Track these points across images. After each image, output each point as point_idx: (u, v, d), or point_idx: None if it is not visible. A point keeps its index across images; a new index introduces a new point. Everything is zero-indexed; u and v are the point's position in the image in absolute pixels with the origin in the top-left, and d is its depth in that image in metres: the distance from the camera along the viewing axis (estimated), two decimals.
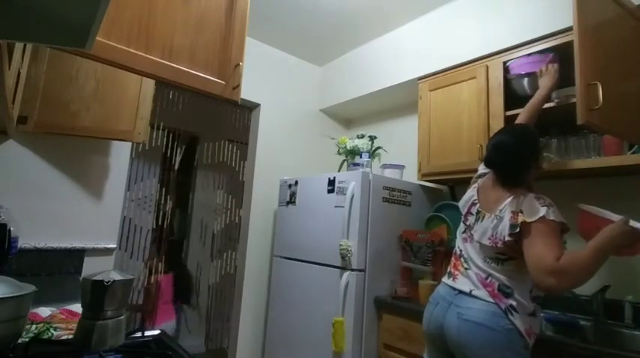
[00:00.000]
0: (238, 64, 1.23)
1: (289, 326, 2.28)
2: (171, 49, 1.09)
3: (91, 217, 1.86)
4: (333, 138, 2.79)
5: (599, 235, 1.09)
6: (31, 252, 1.66)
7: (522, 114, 1.58)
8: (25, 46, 1.20)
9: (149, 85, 1.73)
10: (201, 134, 3.69)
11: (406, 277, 2.02)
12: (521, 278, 1.17)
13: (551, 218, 1.11)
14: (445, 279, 1.37)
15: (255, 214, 2.71)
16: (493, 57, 1.92)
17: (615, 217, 1.14)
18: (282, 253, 2.46)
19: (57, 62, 1.54)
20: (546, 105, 1.69)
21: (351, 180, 2.03)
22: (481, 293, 1.19)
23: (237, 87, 1.22)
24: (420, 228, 2.16)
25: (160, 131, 3.34)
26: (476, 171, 1.86)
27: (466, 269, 1.28)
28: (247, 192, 2.80)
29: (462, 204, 1.45)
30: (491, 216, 1.24)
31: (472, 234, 1.30)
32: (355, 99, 2.82)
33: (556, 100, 1.64)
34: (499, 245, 1.18)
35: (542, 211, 1.11)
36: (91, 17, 0.61)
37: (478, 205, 1.34)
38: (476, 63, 2.00)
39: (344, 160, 2.52)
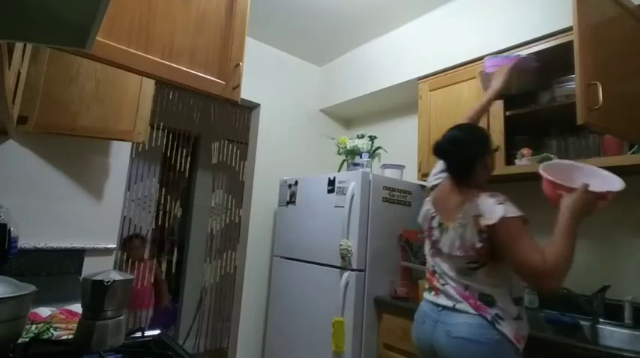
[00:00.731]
0: (238, 64, 1.23)
1: (289, 326, 2.28)
2: (171, 49, 1.09)
3: (91, 217, 1.86)
4: (333, 138, 2.79)
5: (563, 213, 1.08)
6: (31, 252, 1.66)
7: (467, 114, 1.58)
8: (25, 46, 1.20)
9: (149, 85, 1.73)
10: (201, 134, 3.69)
11: (406, 277, 2.02)
12: (497, 282, 1.16)
13: (511, 215, 1.08)
14: (427, 295, 1.33)
15: (255, 214, 2.71)
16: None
17: (577, 181, 1.12)
18: (282, 253, 2.46)
19: (57, 62, 1.54)
20: (546, 106, 1.69)
21: (351, 180, 2.03)
22: (464, 306, 1.16)
23: (237, 87, 1.23)
24: (420, 228, 2.16)
25: (160, 131, 3.34)
26: None
27: (443, 285, 1.24)
28: (247, 192, 2.80)
29: (421, 220, 1.41)
30: (454, 224, 1.21)
31: (440, 248, 1.26)
32: (355, 99, 2.82)
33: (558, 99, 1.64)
34: (470, 253, 1.15)
35: (501, 210, 1.09)
36: (91, 17, 0.61)
37: (438, 217, 1.30)
38: (476, 63, 2.00)
39: (344, 160, 2.52)
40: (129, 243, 3.14)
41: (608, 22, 1.37)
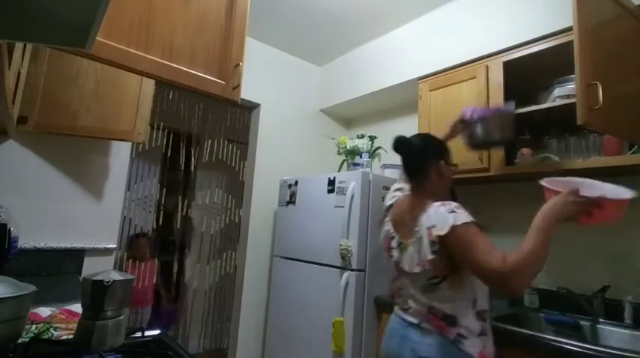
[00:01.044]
0: (238, 64, 1.23)
1: (289, 326, 2.28)
2: (172, 49, 1.09)
3: (91, 217, 1.86)
4: (333, 138, 2.79)
5: (540, 212, 1.05)
6: (31, 252, 1.66)
7: None
8: (25, 46, 1.20)
9: (149, 85, 1.73)
10: (201, 134, 3.69)
11: None
12: (460, 296, 1.14)
13: (461, 222, 1.05)
14: (397, 309, 1.32)
15: (255, 214, 2.71)
16: (493, 57, 1.92)
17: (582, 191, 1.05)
18: (282, 253, 2.46)
19: (57, 62, 1.54)
20: (545, 106, 1.69)
21: (351, 180, 2.03)
22: (428, 325, 1.16)
23: (237, 87, 1.23)
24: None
25: (160, 131, 3.34)
26: (476, 170, 1.87)
27: (409, 306, 1.23)
28: (247, 192, 2.80)
29: (383, 241, 1.39)
30: (413, 240, 1.19)
31: (402, 268, 1.24)
32: (355, 99, 2.82)
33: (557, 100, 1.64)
34: (427, 267, 1.12)
35: (451, 219, 1.06)
36: (91, 17, 0.61)
37: (397, 237, 1.28)
38: (476, 63, 2.00)
39: (344, 160, 2.52)
40: (135, 242, 3.14)
41: (608, 22, 1.37)
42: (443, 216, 1.09)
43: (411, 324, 1.21)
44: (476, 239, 1.04)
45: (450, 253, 1.09)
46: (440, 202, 1.14)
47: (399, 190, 1.42)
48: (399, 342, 1.22)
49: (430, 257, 1.10)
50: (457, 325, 1.12)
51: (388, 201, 1.43)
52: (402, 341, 1.21)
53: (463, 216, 1.07)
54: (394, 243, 1.29)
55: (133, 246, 3.14)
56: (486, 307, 1.18)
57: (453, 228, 1.05)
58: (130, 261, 3.08)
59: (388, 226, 1.35)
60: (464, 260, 1.07)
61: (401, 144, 1.30)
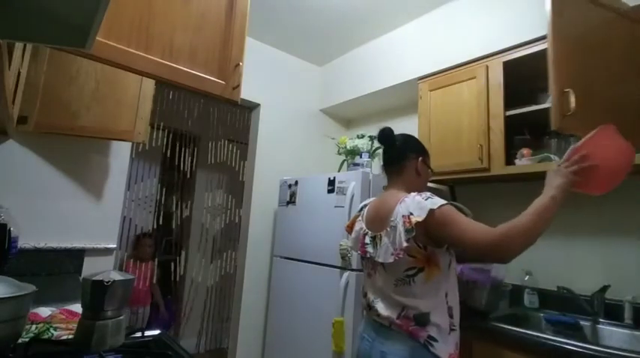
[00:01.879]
0: (238, 64, 1.23)
1: (289, 326, 2.28)
2: (171, 49, 1.09)
3: (91, 217, 1.86)
4: (333, 138, 2.79)
5: (553, 185, 1.09)
6: (31, 252, 1.66)
7: None
8: (25, 46, 1.20)
9: (149, 85, 1.73)
10: (201, 134, 3.69)
11: None
12: (434, 292, 1.13)
13: (438, 205, 1.08)
14: (367, 311, 1.29)
15: (255, 214, 2.71)
16: (493, 57, 1.92)
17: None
18: (282, 253, 2.46)
19: (57, 62, 1.54)
20: (545, 106, 1.69)
21: (351, 180, 2.03)
22: (399, 329, 1.13)
23: (237, 87, 1.22)
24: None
25: (160, 131, 3.34)
26: (476, 170, 1.87)
27: (381, 306, 1.20)
28: (247, 192, 2.80)
29: (353, 242, 1.38)
30: (387, 230, 1.18)
31: (375, 262, 1.23)
32: (355, 99, 2.82)
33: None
34: (401, 255, 1.12)
35: (428, 204, 1.08)
36: (91, 17, 0.61)
37: (370, 233, 1.27)
38: (476, 63, 2.00)
39: (344, 160, 2.52)
40: (139, 241, 3.14)
41: (590, 27, 1.37)
42: (419, 203, 1.11)
43: (381, 326, 1.19)
44: (456, 216, 1.07)
45: (433, 237, 1.10)
46: (415, 192, 1.17)
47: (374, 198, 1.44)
48: (369, 345, 1.21)
49: (405, 244, 1.09)
50: (428, 324, 1.10)
51: (363, 203, 1.44)
52: (372, 343, 1.20)
53: (439, 200, 1.10)
54: (367, 239, 1.28)
55: (137, 245, 3.15)
56: (456, 303, 1.18)
57: (431, 211, 1.07)
58: (132, 260, 3.08)
59: (361, 225, 1.34)
60: (448, 237, 1.09)
61: (385, 136, 1.34)
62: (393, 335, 1.14)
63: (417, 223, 1.07)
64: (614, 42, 1.40)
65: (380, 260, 1.19)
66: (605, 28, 1.39)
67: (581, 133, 1.22)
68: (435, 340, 1.10)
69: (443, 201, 1.10)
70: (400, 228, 1.12)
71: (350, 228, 1.44)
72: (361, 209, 1.42)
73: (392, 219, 1.16)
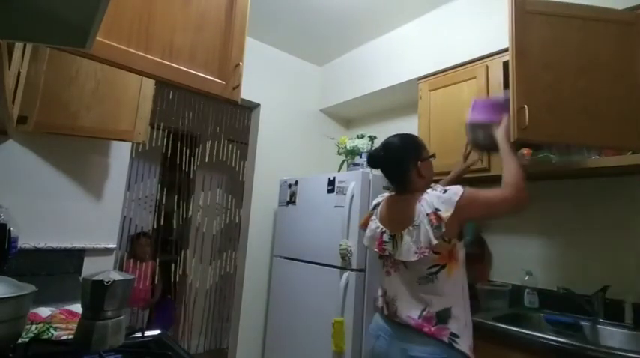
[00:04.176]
0: (238, 64, 1.23)
1: (289, 326, 2.28)
2: (171, 49, 1.09)
3: (91, 217, 1.86)
4: (333, 138, 2.79)
5: (502, 140, 1.34)
6: (31, 252, 1.66)
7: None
8: (25, 46, 1.20)
9: (149, 85, 1.72)
10: (201, 134, 3.69)
11: None
12: (454, 283, 1.17)
13: (459, 194, 1.14)
14: (383, 310, 1.29)
15: (255, 214, 2.71)
16: (493, 57, 1.92)
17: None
18: (282, 253, 2.46)
19: (57, 62, 1.54)
20: None
21: (351, 180, 2.03)
22: (420, 329, 1.14)
23: (237, 87, 1.23)
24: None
25: (160, 131, 3.34)
26: (476, 170, 1.86)
27: (397, 310, 1.21)
28: (247, 192, 2.80)
29: (369, 241, 1.38)
30: (409, 228, 1.19)
31: (395, 261, 1.24)
32: (355, 99, 2.82)
33: None
34: (426, 254, 1.13)
35: (452, 197, 1.14)
36: (91, 17, 0.61)
37: (388, 231, 1.28)
38: (476, 63, 2.00)
39: (344, 160, 2.52)
40: (136, 241, 3.14)
41: (558, 38, 1.42)
42: (440, 198, 1.16)
43: (400, 324, 1.19)
44: (475, 194, 1.16)
45: (463, 221, 1.17)
46: (429, 189, 1.22)
47: (386, 192, 1.45)
48: (387, 342, 1.21)
49: (435, 242, 1.12)
50: (449, 320, 1.13)
51: (376, 201, 1.45)
52: (390, 340, 1.20)
53: (455, 189, 1.17)
54: (386, 238, 1.28)
55: (134, 245, 3.15)
56: (468, 297, 1.21)
57: (457, 204, 1.13)
58: (131, 260, 3.08)
59: (376, 223, 1.35)
60: (478, 216, 1.23)
61: (375, 160, 1.33)
62: (414, 334, 1.15)
63: (448, 218, 1.12)
64: (590, 50, 1.42)
65: (402, 258, 1.20)
66: (576, 36, 1.43)
67: (541, 141, 1.49)
68: (457, 336, 1.12)
69: (458, 189, 1.16)
70: (426, 227, 1.14)
71: (364, 226, 1.45)
72: (374, 207, 1.42)
73: (415, 218, 1.18)
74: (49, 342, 0.91)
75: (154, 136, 3.25)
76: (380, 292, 1.33)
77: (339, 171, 2.52)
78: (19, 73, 1.18)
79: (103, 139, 1.82)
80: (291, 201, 2.45)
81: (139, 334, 1.01)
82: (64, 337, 0.96)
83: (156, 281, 3.15)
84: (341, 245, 1.96)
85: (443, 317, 1.13)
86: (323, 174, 2.26)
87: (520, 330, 1.39)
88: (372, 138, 2.46)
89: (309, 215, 2.28)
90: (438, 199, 1.15)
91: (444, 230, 1.12)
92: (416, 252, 1.16)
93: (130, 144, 2.01)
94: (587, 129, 1.37)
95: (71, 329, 0.98)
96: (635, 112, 1.39)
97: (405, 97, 2.61)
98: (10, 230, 1.16)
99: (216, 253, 3.74)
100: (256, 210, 2.72)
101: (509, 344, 1.38)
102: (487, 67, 1.93)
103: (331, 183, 2.16)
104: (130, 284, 0.88)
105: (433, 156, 1.34)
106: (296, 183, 2.45)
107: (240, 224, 2.82)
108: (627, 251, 1.62)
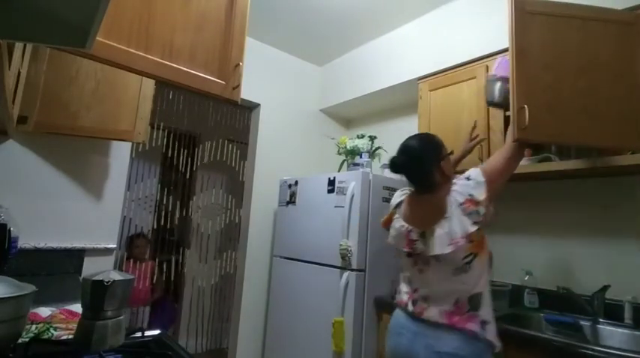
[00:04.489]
0: (238, 64, 1.23)
1: (289, 326, 2.28)
2: (171, 49, 1.09)
3: (91, 217, 1.86)
4: (333, 138, 2.79)
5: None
6: (31, 252, 1.66)
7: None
8: (25, 46, 1.20)
9: (149, 85, 1.72)
10: (201, 134, 3.69)
11: None
12: (483, 270, 1.21)
13: (481, 175, 1.21)
14: (407, 307, 1.28)
15: (255, 214, 2.71)
16: (493, 57, 1.92)
17: None
18: (282, 253, 2.46)
19: (57, 62, 1.54)
20: None
21: (351, 180, 2.03)
22: (451, 325, 1.15)
23: (237, 87, 1.22)
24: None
25: (160, 131, 3.34)
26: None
27: (428, 306, 1.22)
28: (247, 192, 2.80)
29: (395, 239, 1.36)
30: (440, 223, 1.20)
31: (427, 257, 1.23)
32: (355, 99, 2.82)
33: None
34: (461, 243, 1.14)
35: (479, 178, 1.20)
36: (91, 17, 0.61)
37: (416, 229, 1.27)
38: (476, 63, 2.01)
39: (344, 160, 2.52)
40: (133, 242, 3.14)
41: (558, 38, 1.41)
42: (468, 185, 1.21)
43: (425, 322, 1.20)
44: (489, 165, 1.26)
45: (494, 194, 1.21)
46: (454, 180, 1.26)
47: (406, 190, 1.43)
48: (409, 340, 1.21)
49: (472, 229, 1.14)
50: (480, 306, 1.16)
51: (397, 200, 1.43)
52: (414, 337, 1.20)
53: (473, 172, 1.23)
54: (414, 236, 1.27)
55: (131, 245, 3.15)
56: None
57: (486, 182, 1.19)
58: (130, 260, 3.08)
59: (401, 222, 1.34)
60: (502, 178, 1.26)
61: (397, 167, 1.32)
62: (441, 330, 1.16)
63: (485, 198, 1.17)
64: (590, 50, 1.42)
65: (435, 252, 1.20)
66: (576, 36, 1.42)
67: (541, 141, 1.47)
68: (487, 322, 1.15)
69: (476, 170, 1.23)
70: (461, 217, 1.17)
71: (386, 224, 1.44)
72: (397, 206, 1.41)
73: (447, 210, 1.20)
74: (49, 342, 0.91)
75: (154, 136, 3.25)
76: (405, 288, 1.33)
77: (339, 171, 2.52)
78: (19, 73, 1.18)
79: (103, 139, 1.82)
80: (291, 201, 2.45)
81: (139, 334, 1.01)
82: (64, 337, 0.96)
83: (154, 281, 3.15)
84: (341, 245, 1.96)
85: (474, 303, 1.16)
86: (323, 174, 2.26)
87: (520, 330, 1.39)
88: (372, 138, 2.46)
89: (309, 215, 2.28)
90: (467, 187, 1.20)
91: (483, 212, 1.15)
92: (449, 244, 1.17)
93: (130, 144, 2.01)
94: (587, 129, 1.37)
95: (71, 329, 0.98)
96: (635, 112, 1.39)
97: (405, 97, 2.61)
98: (10, 230, 1.16)
99: (216, 253, 3.74)
100: (256, 210, 2.72)
101: (509, 344, 1.38)
102: (487, 67, 1.92)
103: (331, 183, 2.16)
104: (129, 284, 0.88)
105: (451, 152, 1.37)
106: (296, 183, 2.45)
107: (240, 224, 2.82)
108: (627, 251, 1.62)
